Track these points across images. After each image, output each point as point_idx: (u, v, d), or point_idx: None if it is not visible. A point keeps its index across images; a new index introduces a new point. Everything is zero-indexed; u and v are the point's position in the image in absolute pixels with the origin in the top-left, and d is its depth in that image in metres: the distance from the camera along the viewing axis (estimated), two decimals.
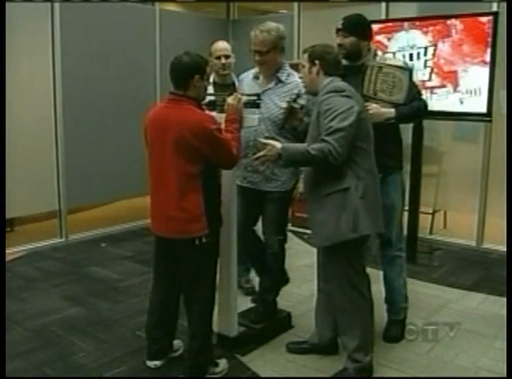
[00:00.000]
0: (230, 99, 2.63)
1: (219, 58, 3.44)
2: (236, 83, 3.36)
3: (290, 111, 2.78)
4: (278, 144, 2.43)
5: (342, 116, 2.33)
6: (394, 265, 3.02)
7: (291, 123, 2.80)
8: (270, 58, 2.86)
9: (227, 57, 3.45)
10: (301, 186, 3.00)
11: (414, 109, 2.86)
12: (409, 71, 2.88)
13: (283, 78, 2.91)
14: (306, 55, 2.56)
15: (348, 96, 2.41)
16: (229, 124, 2.57)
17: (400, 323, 3.06)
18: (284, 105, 2.81)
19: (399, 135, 2.99)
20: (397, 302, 3.05)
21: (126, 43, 5.15)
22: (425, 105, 2.94)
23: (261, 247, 3.12)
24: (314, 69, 2.52)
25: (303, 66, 2.58)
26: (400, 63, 2.96)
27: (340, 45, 2.83)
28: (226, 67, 3.46)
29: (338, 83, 2.49)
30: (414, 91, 2.88)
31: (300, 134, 2.74)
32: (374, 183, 2.50)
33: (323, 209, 2.45)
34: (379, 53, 3.03)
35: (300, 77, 2.72)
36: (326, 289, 2.68)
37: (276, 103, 2.87)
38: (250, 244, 3.14)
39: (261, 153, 2.47)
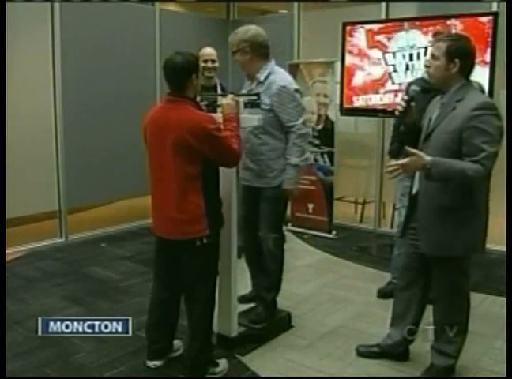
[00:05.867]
0: (225, 100, 2.62)
1: (206, 61, 3.95)
2: (218, 86, 3.95)
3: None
4: (427, 158, 2.25)
5: (497, 139, 2.26)
6: None
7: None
8: (238, 58, 2.95)
9: (213, 61, 4.01)
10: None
11: None
12: None
13: (261, 78, 2.94)
14: (443, 47, 2.31)
15: (498, 116, 2.28)
16: (227, 123, 2.55)
17: None
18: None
19: None
20: None
21: (126, 43, 5.14)
22: None
23: (260, 248, 3.12)
24: (453, 68, 2.31)
25: (437, 58, 2.34)
26: None
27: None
28: (211, 70, 3.99)
29: (484, 96, 2.35)
30: None
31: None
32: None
33: (450, 222, 2.38)
34: None
35: (426, 66, 2.50)
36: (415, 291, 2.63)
37: None
38: (249, 240, 3.15)
39: (404, 161, 2.28)
